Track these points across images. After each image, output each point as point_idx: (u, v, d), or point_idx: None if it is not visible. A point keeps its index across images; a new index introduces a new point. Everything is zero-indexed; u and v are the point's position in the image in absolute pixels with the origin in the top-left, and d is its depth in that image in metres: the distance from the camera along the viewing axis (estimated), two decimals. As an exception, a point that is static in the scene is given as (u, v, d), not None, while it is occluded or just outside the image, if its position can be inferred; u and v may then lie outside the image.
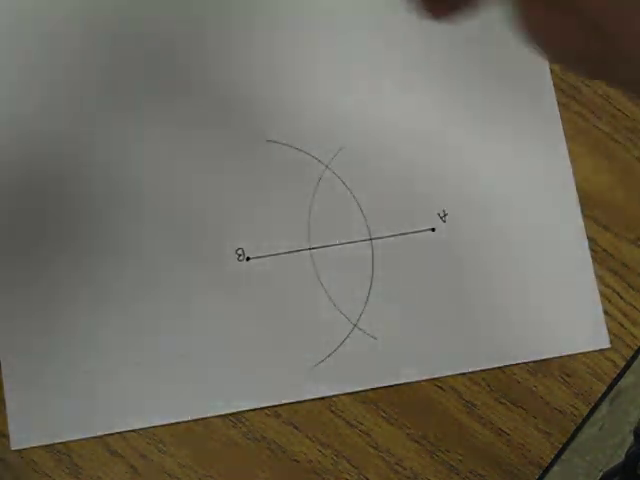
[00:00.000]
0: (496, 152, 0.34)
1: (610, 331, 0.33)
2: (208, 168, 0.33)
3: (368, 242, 0.33)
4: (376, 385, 0.32)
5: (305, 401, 0.32)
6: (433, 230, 0.33)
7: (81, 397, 0.31)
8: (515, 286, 0.33)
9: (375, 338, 0.32)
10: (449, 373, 0.33)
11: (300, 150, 0.33)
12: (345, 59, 0.34)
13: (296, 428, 0.32)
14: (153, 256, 0.32)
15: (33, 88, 0.33)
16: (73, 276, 0.32)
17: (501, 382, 0.33)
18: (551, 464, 0.33)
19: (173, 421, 0.32)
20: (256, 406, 0.32)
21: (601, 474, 0.74)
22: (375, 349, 0.32)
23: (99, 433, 0.31)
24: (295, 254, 0.33)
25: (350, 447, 0.32)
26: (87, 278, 0.32)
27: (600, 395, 0.34)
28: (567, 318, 0.33)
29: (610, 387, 0.34)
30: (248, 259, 0.33)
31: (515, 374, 0.33)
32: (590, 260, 0.33)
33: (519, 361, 0.33)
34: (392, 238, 0.33)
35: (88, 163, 0.33)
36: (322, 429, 0.32)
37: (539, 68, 0.34)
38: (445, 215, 0.33)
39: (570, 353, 0.33)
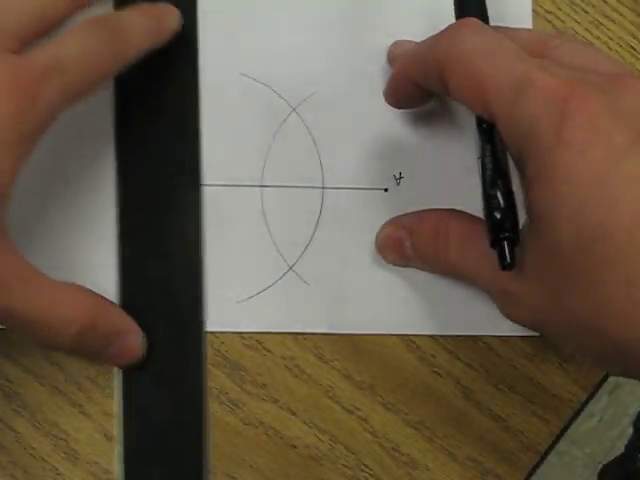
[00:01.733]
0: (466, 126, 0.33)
1: (608, 317, 0.33)
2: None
3: (320, 190, 0.33)
4: (304, 330, 0.33)
5: (300, 387, 0.32)
6: (386, 190, 0.33)
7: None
8: None
9: (308, 284, 0.33)
10: (381, 332, 0.33)
11: (270, 88, 0.33)
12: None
13: (293, 414, 0.32)
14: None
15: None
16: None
17: (499, 368, 0.33)
18: (548, 450, 0.33)
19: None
20: None
21: (600, 466, 0.74)
22: (307, 295, 0.33)
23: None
24: (246, 188, 0.33)
25: (347, 433, 0.32)
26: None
27: (598, 381, 0.34)
28: None
29: (608, 374, 0.34)
30: (200, 185, 0.33)
31: (513, 360, 0.33)
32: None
33: (449, 333, 0.33)
34: (344, 191, 0.33)
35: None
36: (319, 415, 0.32)
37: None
38: (400, 178, 0.33)
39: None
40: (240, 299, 0.33)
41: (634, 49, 0.35)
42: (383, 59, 0.34)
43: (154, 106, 0.33)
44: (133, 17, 0.30)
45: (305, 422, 0.32)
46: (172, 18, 0.32)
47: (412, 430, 0.33)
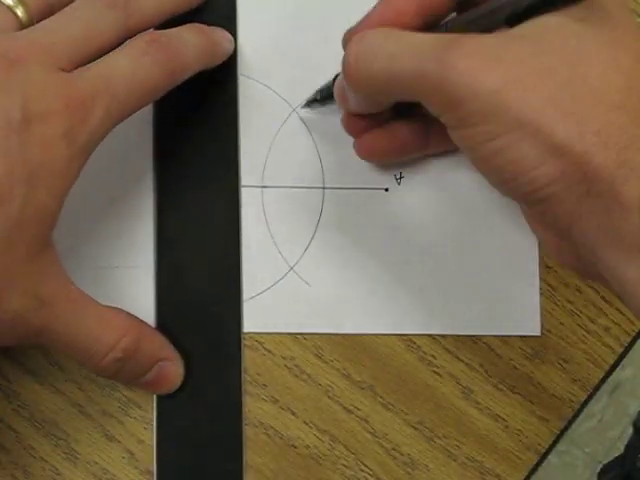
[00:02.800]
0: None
1: (608, 317, 0.33)
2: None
3: (320, 190, 0.33)
4: (304, 330, 0.33)
5: (300, 387, 0.32)
6: (386, 190, 0.33)
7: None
8: (458, 261, 0.33)
9: (309, 285, 0.33)
10: (381, 332, 0.33)
11: (270, 88, 0.33)
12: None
13: (293, 414, 0.32)
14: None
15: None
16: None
17: (498, 368, 0.33)
18: (548, 450, 0.33)
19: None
20: None
21: (600, 466, 0.74)
22: (307, 295, 0.33)
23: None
24: (247, 188, 0.33)
25: (347, 433, 0.32)
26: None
27: (598, 381, 0.34)
28: (505, 298, 0.33)
29: (608, 373, 0.34)
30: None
31: (512, 360, 0.33)
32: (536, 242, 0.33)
33: (449, 333, 0.33)
34: (345, 191, 0.33)
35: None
36: (319, 415, 0.32)
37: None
38: (401, 178, 0.33)
39: (499, 334, 0.33)
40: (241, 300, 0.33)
41: (634, 49, 0.35)
42: None
43: (191, 110, 0.33)
44: (189, 36, 0.29)
45: (305, 422, 0.32)
46: (227, 42, 0.32)
47: (412, 430, 0.33)
